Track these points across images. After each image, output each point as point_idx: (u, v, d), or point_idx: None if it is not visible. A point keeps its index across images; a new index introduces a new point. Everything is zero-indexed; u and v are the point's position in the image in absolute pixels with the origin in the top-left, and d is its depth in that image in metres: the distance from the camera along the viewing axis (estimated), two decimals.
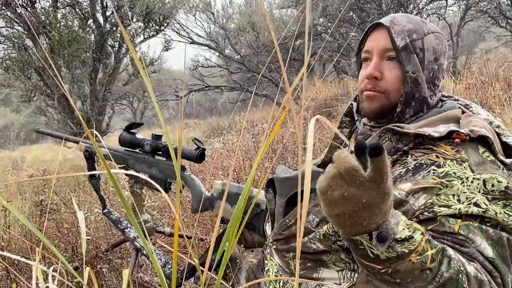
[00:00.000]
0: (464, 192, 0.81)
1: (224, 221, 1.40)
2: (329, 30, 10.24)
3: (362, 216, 0.67)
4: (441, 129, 0.88)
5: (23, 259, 0.68)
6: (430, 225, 0.81)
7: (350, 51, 9.18)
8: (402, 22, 0.97)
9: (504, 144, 0.92)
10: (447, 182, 0.82)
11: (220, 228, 1.70)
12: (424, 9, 8.51)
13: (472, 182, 0.81)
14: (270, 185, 1.13)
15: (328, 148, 1.20)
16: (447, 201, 0.81)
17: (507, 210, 0.80)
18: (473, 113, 0.98)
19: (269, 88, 12.19)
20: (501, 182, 0.81)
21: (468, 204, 0.79)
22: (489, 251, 0.77)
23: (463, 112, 0.98)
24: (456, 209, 0.79)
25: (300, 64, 11.70)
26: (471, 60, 7.47)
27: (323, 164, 1.19)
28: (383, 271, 0.72)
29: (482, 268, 0.76)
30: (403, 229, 0.70)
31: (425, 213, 0.82)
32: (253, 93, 1.21)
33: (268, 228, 1.18)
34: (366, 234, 0.70)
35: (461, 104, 1.02)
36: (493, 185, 0.81)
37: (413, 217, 0.83)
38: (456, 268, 0.72)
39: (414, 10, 8.08)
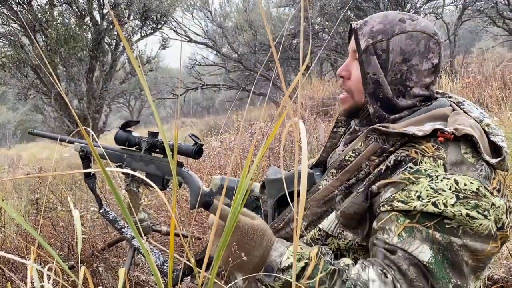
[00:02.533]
0: (427, 190, 0.81)
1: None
2: (326, 29, 10.25)
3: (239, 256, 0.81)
4: (426, 128, 0.88)
5: (17, 258, 0.67)
6: (383, 219, 0.85)
7: (348, 51, 9.17)
8: (373, 22, 0.98)
9: (493, 143, 0.91)
10: (414, 179, 0.83)
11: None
12: (422, 9, 8.53)
13: (441, 180, 0.81)
14: (265, 186, 1.12)
15: (323, 148, 1.20)
16: (407, 197, 0.82)
17: (475, 211, 0.79)
18: (464, 111, 0.97)
19: (266, 87, 12.19)
20: (472, 183, 0.81)
21: (426, 202, 0.80)
22: (424, 256, 0.78)
23: (453, 110, 0.97)
24: (411, 206, 0.81)
25: (297, 63, 11.71)
26: (468, 59, 7.49)
27: (317, 164, 1.18)
28: None
29: (402, 277, 0.78)
30: (287, 258, 0.82)
31: (385, 206, 0.85)
32: (251, 92, 1.20)
33: None
34: (262, 271, 0.82)
35: (453, 102, 1.01)
36: (465, 184, 0.81)
37: (377, 208, 0.87)
38: (350, 284, 0.78)
39: (411, 10, 8.10)
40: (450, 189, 0.80)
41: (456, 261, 0.79)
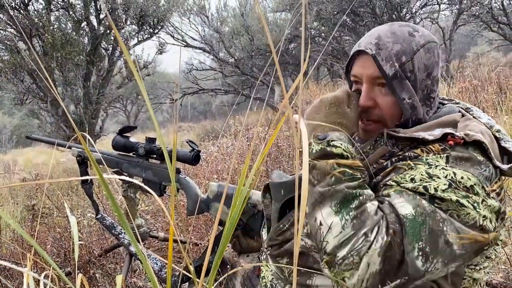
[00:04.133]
0: (422, 175, 0.82)
1: (221, 223, 1.39)
2: (323, 34, 10.29)
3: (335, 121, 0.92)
4: (436, 132, 0.88)
5: (13, 266, 0.67)
6: (379, 191, 0.89)
7: (344, 55, 9.21)
8: (388, 44, 0.92)
9: (503, 149, 0.91)
10: (413, 165, 0.85)
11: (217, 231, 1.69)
12: (417, 13, 8.58)
13: (439, 170, 0.82)
14: (268, 190, 1.12)
15: None
16: (401, 179, 0.84)
17: (465, 200, 0.79)
18: (473, 117, 0.97)
19: (262, 91, 12.20)
20: (469, 179, 0.81)
21: (418, 185, 0.82)
22: (404, 210, 0.80)
23: (462, 116, 0.97)
24: (403, 187, 0.83)
25: (294, 67, 11.73)
26: (463, 64, 7.53)
27: None
28: (309, 165, 0.85)
29: (385, 220, 0.81)
30: (340, 143, 0.88)
31: (381, 184, 0.90)
32: (251, 98, 1.20)
33: (264, 233, 1.17)
34: (315, 138, 0.90)
35: (461, 108, 1.00)
36: (462, 178, 0.81)
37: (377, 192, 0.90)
38: (354, 193, 0.83)
39: (407, 15, 8.14)
40: (445, 177, 0.81)
41: (435, 230, 0.78)
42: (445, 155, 0.84)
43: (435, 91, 0.97)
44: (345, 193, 0.82)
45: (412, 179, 0.83)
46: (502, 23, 8.29)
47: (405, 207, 0.80)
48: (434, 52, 0.95)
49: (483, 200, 0.80)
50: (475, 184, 0.81)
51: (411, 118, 0.95)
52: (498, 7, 8.07)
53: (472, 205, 0.79)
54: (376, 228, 0.78)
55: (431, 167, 0.83)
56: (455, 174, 0.81)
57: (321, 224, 0.82)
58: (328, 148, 0.87)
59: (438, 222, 0.79)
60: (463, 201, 0.79)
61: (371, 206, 0.81)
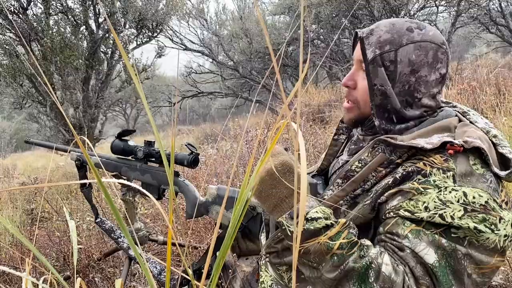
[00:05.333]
0: (435, 202, 0.81)
1: (220, 226, 1.38)
2: (321, 36, 10.31)
3: (284, 204, 0.87)
4: (435, 140, 0.87)
5: (12, 271, 0.66)
6: (389, 224, 0.85)
7: (343, 57, 9.23)
8: (380, 31, 0.95)
9: (500, 154, 0.90)
10: (423, 189, 0.83)
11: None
12: (416, 15, 8.60)
13: (450, 192, 0.81)
14: None
15: (324, 155, 1.19)
16: (414, 207, 0.82)
17: (483, 225, 0.78)
18: (470, 121, 0.96)
19: (261, 93, 12.21)
20: (481, 196, 0.80)
21: (433, 214, 0.80)
22: (430, 258, 0.79)
23: (459, 120, 0.96)
24: (418, 217, 0.82)
25: (293, 70, 11.74)
26: (462, 65, 7.54)
27: (319, 172, 1.17)
28: (300, 250, 0.82)
29: (410, 272, 0.79)
30: (316, 212, 0.83)
31: (391, 213, 0.85)
32: (254, 101, 1.20)
33: (263, 238, 1.16)
34: (286, 215, 0.86)
35: (458, 111, 1.00)
36: (474, 197, 0.80)
37: (383, 215, 0.87)
38: (365, 263, 0.79)
39: (405, 16, 8.16)
40: (458, 201, 0.80)
41: (458, 269, 0.79)
42: (451, 174, 0.82)
43: (422, 91, 0.94)
44: (357, 270, 0.78)
45: (426, 208, 0.81)
46: (500, 25, 8.31)
47: (429, 254, 0.79)
48: (428, 52, 0.93)
49: (500, 218, 0.80)
50: (488, 200, 0.80)
51: (385, 106, 0.95)
52: (496, 9, 8.10)
53: (490, 228, 0.79)
54: None
55: (441, 191, 0.81)
56: (466, 195, 0.80)
57: None
58: (311, 227, 0.82)
59: (460, 260, 0.79)
60: (481, 227, 0.78)
61: (386, 268, 0.79)
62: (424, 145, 0.86)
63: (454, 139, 0.86)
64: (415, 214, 0.82)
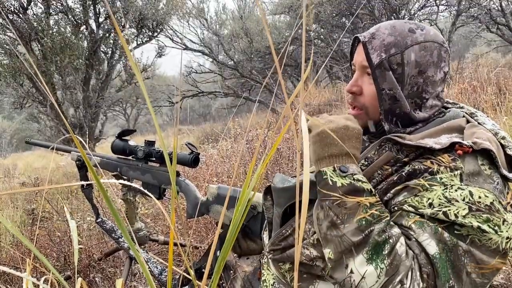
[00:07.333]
0: (440, 199, 0.81)
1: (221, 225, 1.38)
2: (322, 36, 10.30)
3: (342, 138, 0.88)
4: (443, 140, 0.87)
5: (13, 271, 0.66)
6: (395, 215, 0.86)
7: (343, 57, 9.22)
8: (383, 35, 0.94)
9: (508, 156, 0.90)
10: (428, 186, 0.83)
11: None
12: (416, 15, 8.59)
13: (456, 190, 0.81)
14: (269, 193, 1.10)
15: None
16: (418, 203, 0.83)
17: (487, 225, 0.78)
18: (478, 122, 0.95)
19: (262, 94, 12.21)
20: (487, 197, 0.80)
21: (437, 211, 0.80)
22: (431, 248, 0.80)
23: (467, 121, 0.95)
24: (421, 213, 0.82)
25: (293, 69, 11.74)
26: (462, 65, 7.54)
27: None
28: (334, 201, 0.82)
29: (416, 259, 0.80)
30: (363, 177, 0.85)
31: (395, 208, 0.86)
32: (256, 101, 1.20)
33: (265, 236, 1.15)
34: (332, 167, 0.84)
35: (465, 113, 0.99)
36: (479, 197, 0.80)
37: (388, 211, 0.87)
38: (385, 237, 0.79)
39: (406, 16, 8.15)
40: (463, 200, 0.80)
41: (457, 265, 0.79)
42: (458, 172, 0.82)
43: (429, 92, 0.94)
44: (377, 239, 0.79)
45: (430, 204, 0.81)
46: (500, 24, 8.30)
47: (431, 245, 0.80)
48: (433, 52, 0.93)
49: (504, 220, 0.80)
50: (494, 201, 0.80)
51: (394, 111, 0.94)
52: (496, 8, 8.08)
53: (493, 229, 0.79)
54: (410, 273, 0.78)
55: (447, 189, 0.81)
56: (471, 194, 0.80)
57: (352, 272, 0.80)
58: (358, 184, 0.83)
59: (460, 256, 0.79)
60: (484, 226, 0.78)
61: (401, 247, 0.80)
62: (433, 145, 0.85)
63: (463, 140, 0.86)
64: (419, 210, 0.82)
